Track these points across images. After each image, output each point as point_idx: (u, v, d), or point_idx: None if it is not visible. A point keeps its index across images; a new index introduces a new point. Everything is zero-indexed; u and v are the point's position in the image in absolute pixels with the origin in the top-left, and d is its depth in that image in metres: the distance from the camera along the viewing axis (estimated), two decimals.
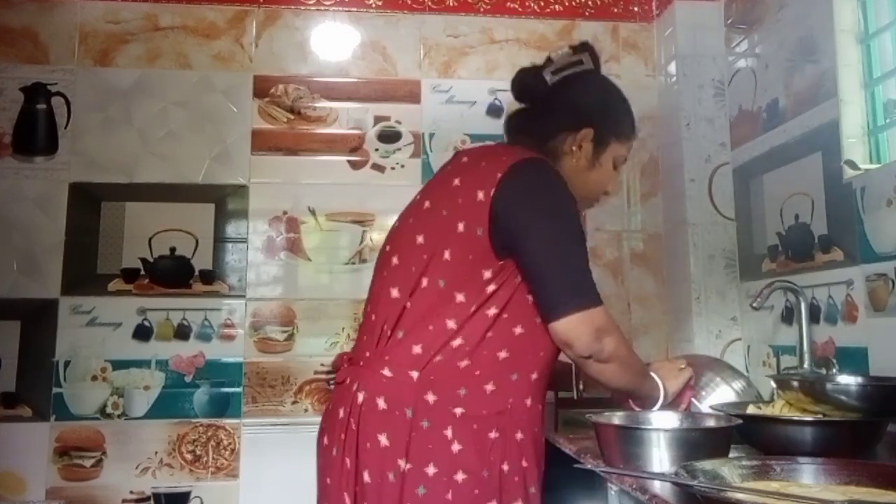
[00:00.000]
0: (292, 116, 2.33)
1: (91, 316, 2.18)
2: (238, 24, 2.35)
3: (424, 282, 1.22)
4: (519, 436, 1.23)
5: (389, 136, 2.35)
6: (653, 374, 1.35)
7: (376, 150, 2.34)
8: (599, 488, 1.26)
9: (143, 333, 2.20)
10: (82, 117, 2.26)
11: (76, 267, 2.19)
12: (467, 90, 2.39)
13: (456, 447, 1.18)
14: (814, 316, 1.77)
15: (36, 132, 2.24)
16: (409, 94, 2.38)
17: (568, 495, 1.45)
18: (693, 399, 1.44)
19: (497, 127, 2.36)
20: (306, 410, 2.21)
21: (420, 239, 1.26)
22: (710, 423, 1.22)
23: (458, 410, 1.19)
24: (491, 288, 1.21)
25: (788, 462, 0.98)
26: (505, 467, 1.20)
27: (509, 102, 2.34)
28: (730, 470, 0.94)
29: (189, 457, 2.16)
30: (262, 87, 2.33)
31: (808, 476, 0.95)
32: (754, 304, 1.76)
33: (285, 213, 2.29)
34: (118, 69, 2.29)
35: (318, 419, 1.35)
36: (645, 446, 1.09)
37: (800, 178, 1.85)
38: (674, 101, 2.30)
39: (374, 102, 2.36)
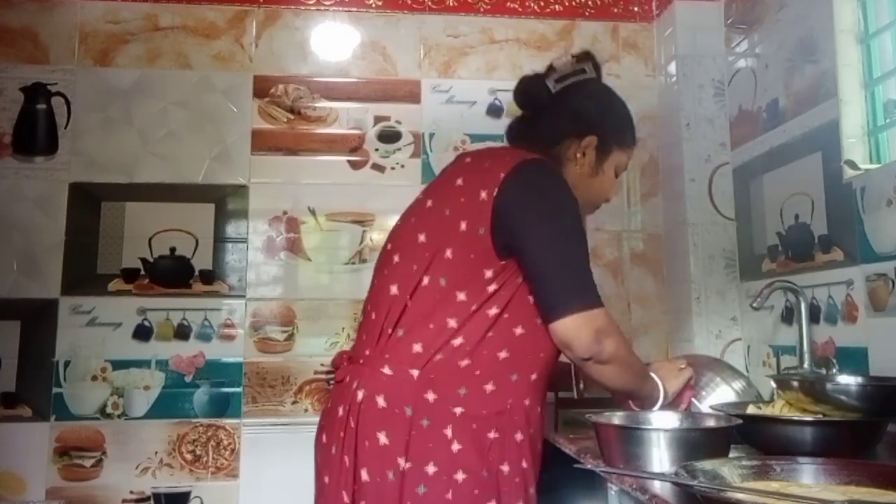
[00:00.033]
0: (292, 116, 2.34)
1: (91, 316, 2.18)
2: (238, 24, 2.35)
3: (426, 280, 1.22)
4: (518, 436, 1.23)
5: (389, 136, 2.35)
6: (652, 375, 1.35)
7: (376, 150, 2.34)
8: (599, 488, 1.26)
9: (143, 333, 2.20)
10: (82, 117, 2.26)
11: (76, 267, 2.19)
12: (467, 90, 2.40)
13: (456, 446, 1.18)
14: (814, 316, 1.77)
15: (36, 132, 2.24)
16: (409, 94, 2.38)
17: (568, 495, 1.45)
18: (693, 399, 1.44)
19: (497, 127, 2.36)
20: (306, 410, 2.21)
21: (422, 237, 1.27)
22: (710, 423, 1.22)
23: (458, 410, 1.19)
24: (492, 287, 1.21)
25: (788, 462, 0.98)
26: (505, 468, 1.20)
27: (509, 102, 2.36)
28: (730, 470, 0.94)
29: (189, 457, 2.16)
30: (262, 87, 2.33)
31: (808, 476, 0.95)
32: (754, 304, 1.76)
33: (285, 213, 2.29)
34: (118, 69, 2.29)
35: (318, 419, 1.35)
36: (645, 446, 1.09)
37: (800, 178, 1.85)
38: (674, 101, 2.30)
39: (374, 102, 2.36)
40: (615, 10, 2.48)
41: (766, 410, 1.36)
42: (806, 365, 1.74)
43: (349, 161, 2.33)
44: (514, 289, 1.22)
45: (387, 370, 1.21)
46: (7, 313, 2.15)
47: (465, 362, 1.20)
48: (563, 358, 1.28)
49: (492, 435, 1.20)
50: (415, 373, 1.19)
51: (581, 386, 1.73)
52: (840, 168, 1.70)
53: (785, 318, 1.93)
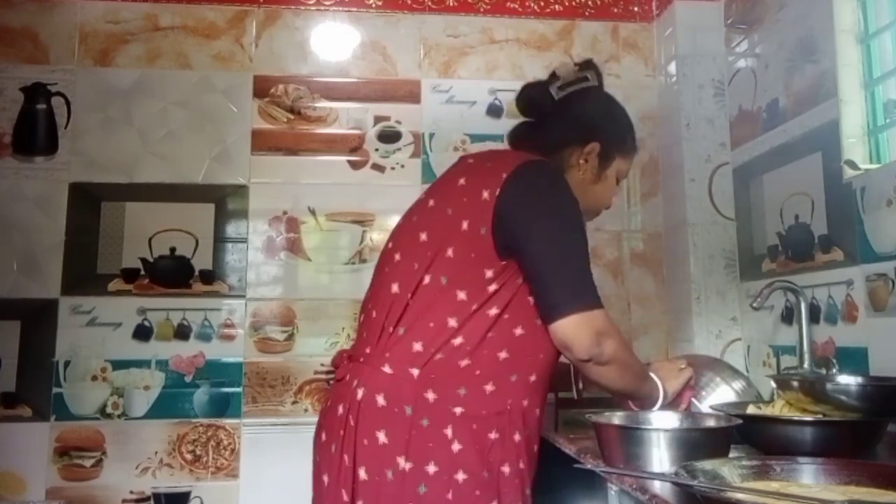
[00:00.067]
0: (292, 116, 2.34)
1: (91, 316, 2.18)
2: (238, 24, 2.35)
3: (427, 279, 1.23)
4: (517, 437, 1.23)
5: (389, 136, 2.35)
6: (652, 375, 1.35)
7: (376, 150, 2.34)
8: (599, 488, 1.26)
9: (143, 333, 2.20)
10: (82, 117, 2.26)
11: (76, 267, 2.19)
12: (467, 90, 2.40)
13: (456, 447, 1.18)
14: (814, 316, 1.77)
15: (36, 132, 2.24)
16: (409, 94, 2.38)
17: (568, 495, 1.45)
18: (693, 399, 1.45)
19: (497, 127, 2.36)
20: (306, 410, 2.21)
21: (423, 236, 1.27)
22: (710, 423, 1.22)
23: (458, 410, 1.19)
24: (492, 287, 1.21)
25: (788, 462, 0.98)
26: (505, 469, 1.21)
27: (509, 102, 2.36)
28: (730, 470, 0.94)
29: (189, 457, 2.16)
30: (262, 87, 2.33)
31: (808, 476, 0.95)
32: (754, 304, 1.76)
33: (285, 213, 2.29)
34: (118, 69, 2.29)
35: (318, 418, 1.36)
36: (645, 446, 1.09)
37: (800, 178, 1.85)
38: (674, 101, 2.30)
39: (374, 102, 2.36)
40: (615, 10, 2.48)
41: (766, 410, 1.36)
42: (806, 365, 1.74)
43: (349, 161, 2.33)
44: (515, 289, 1.23)
45: (387, 369, 1.21)
46: (7, 313, 2.15)
47: (465, 362, 1.20)
48: (562, 358, 1.28)
49: (492, 435, 1.20)
50: (415, 372, 1.19)
51: (580, 386, 1.73)
52: (840, 168, 1.70)
53: (785, 318, 1.93)
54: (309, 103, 2.34)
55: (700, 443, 1.09)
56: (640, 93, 2.43)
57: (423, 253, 1.25)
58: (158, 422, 2.17)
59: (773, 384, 1.45)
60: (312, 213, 2.30)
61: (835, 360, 1.71)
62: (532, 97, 1.43)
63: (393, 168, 2.34)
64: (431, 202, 1.33)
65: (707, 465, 0.94)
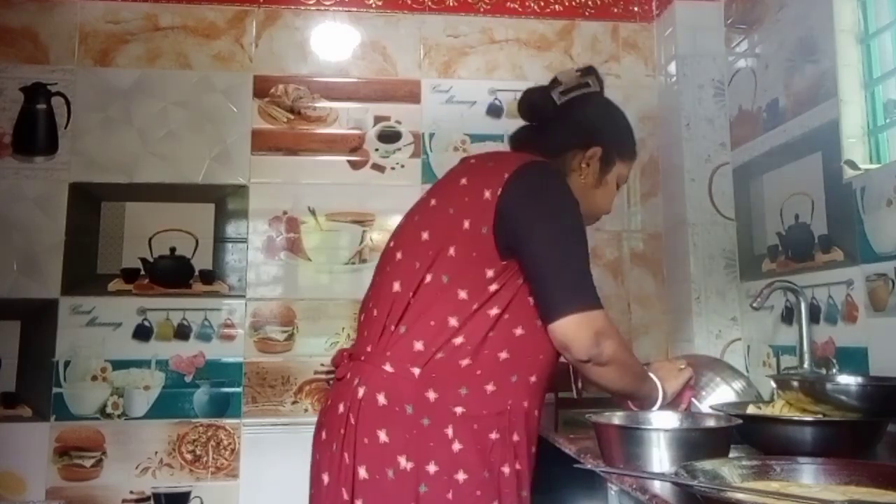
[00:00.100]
0: (292, 116, 2.34)
1: (91, 316, 2.18)
2: (238, 24, 2.35)
3: (428, 278, 1.23)
4: (516, 438, 1.23)
5: (389, 136, 2.35)
6: (651, 376, 1.35)
7: (376, 150, 2.34)
8: (599, 488, 1.26)
9: (143, 333, 2.20)
10: (82, 117, 2.26)
11: (76, 267, 2.19)
12: (467, 90, 2.40)
13: (457, 446, 1.18)
14: (814, 316, 1.77)
15: (36, 132, 2.24)
16: (409, 94, 2.38)
17: (568, 495, 1.45)
18: (693, 399, 1.45)
19: (497, 127, 2.36)
20: (306, 410, 2.21)
21: (425, 235, 1.27)
22: (710, 423, 1.22)
23: (459, 409, 1.19)
24: (493, 287, 1.21)
25: (788, 462, 0.98)
26: (505, 469, 1.21)
27: (509, 102, 2.37)
28: (730, 470, 0.94)
29: (189, 457, 2.16)
30: (262, 87, 2.33)
31: (808, 476, 0.95)
32: (754, 304, 1.76)
33: (285, 213, 2.29)
34: (118, 69, 2.29)
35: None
36: (645, 446, 1.09)
37: (800, 178, 1.85)
38: (674, 101, 2.30)
39: (374, 102, 2.36)
40: (615, 10, 2.48)
41: (766, 410, 1.36)
42: (806, 365, 1.74)
43: (349, 161, 2.33)
44: (515, 290, 1.23)
45: (388, 368, 1.21)
46: (7, 313, 2.15)
47: (465, 362, 1.20)
48: (562, 358, 1.28)
49: (493, 436, 1.20)
50: (416, 371, 1.19)
51: (580, 385, 1.73)
52: (840, 168, 1.70)
53: (785, 318, 1.93)
54: (309, 103, 2.34)
55: (700, 443, 1.09)
56: (640, 93, 2.43)
57: (425, 252, 1.25)
58: (158, 422, 2.17)
59: (773, 384, 1.45)
60: (312, 213, 2.30)
61: (835, 360, 1.71)
62: (534, 102, 1.44)
63: (393, 168, 2.34)
64: (433, 202, 1.33)
65: (707, 465, 0.94)
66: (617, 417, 1.26)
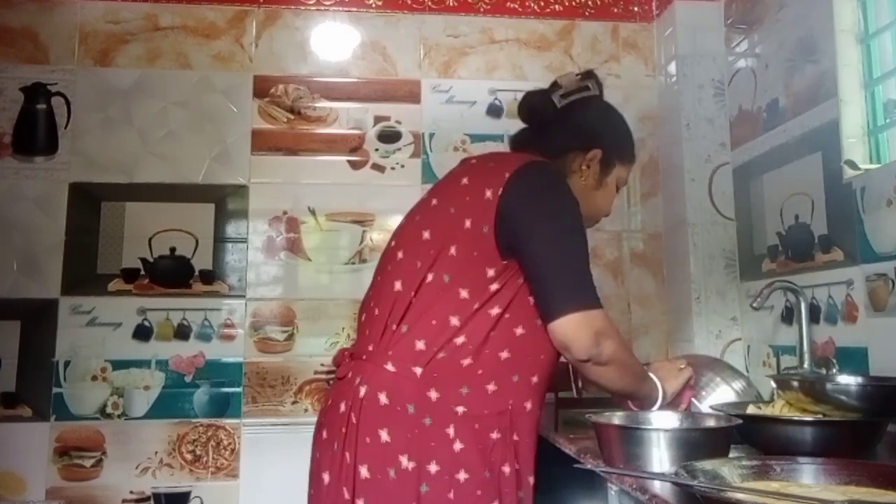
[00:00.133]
0: (292, 116, 2.34)
1: (91, 316, 2.18)
2: (238, 24, 2.35)
3: (430, 277, 1.23)
4: (516, 437, 1.23)
5: (389, 136, 2.35)
6: (651, 376, 1.35)
7: (376, 150, 2.34)
8: (599, 488, 1.26)
9: (143, 333, 2.20)
10: (82, 117, 2.26)
11: (76, 267, 2.19)
12: (467, 90, 2.39)
13: (458, 446, 1.18)
14: (814, 316, 1.77)
15: (36, 132, 2.24)
16: (409, 94, 2.38)
17: (568, 495, 1.45)
18: (693, 399, 1.45)
19: (497, 127, 2.36)
20: (306, 410, 2.21)
21: (426, 235, 1.28)
22: (710, 423, 1.22)
23: (460, 409, 1.20)
24: (494, 287, 1.22)
25: (788, 462, 0.98)
26: (506, 469, 1.21)
27: (509, 102, 2.36)
28: (730, 470, 0.94)
29: (189, 457, 2.16)
30: (262, 87, 2.33)
31: (808, 476, 0.95)
32: (754, 304, 1.76)
33: (285, 213, 2.29)
34: (118, 69, 2.29)
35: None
36: (645, 446, 1.09)
37: (800, 178, 1.85)
38: (674, 101, 2.30)
39: (374, 102, 2.36)
40: (615, 10, 2.48)
41: (766, 410, 1.36)
42: (806, 365, 1.74)
43: (349, 161, 2.33)
44: (516, 289, 1.23)
45: (390, 367, 1.21)
46: (7, 313, 2.15)
47: (467, 361, 1.20)
48: (562, 358, 1.28)
49: (494, 435, 1.21)
50: (418, 370, 1.20)
51: (580, 385, 1.73)
52: (840, 168, 1.70)
53: (785, 318, 1.93)
54: (309, 103, 2.34)
55: (700, 443, 1.09)
56: (640, 93, 2.43)
57: (426, 251, 1.26)
58: (158, 422, 2.17)
59: (773, 384, 1.45)
60: (312, 213, 2.30)
61: (835, 360, 1.71)
62: (535, 105, 1.45)
63: (393, 168, 2.34)
64: (434, 201, 1.34)
65: (707, 465, 0.94)
66: (617, 417, 1.26)
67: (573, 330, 1.18)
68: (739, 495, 0.84)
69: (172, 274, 2.23)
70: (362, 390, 1.21)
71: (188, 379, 2.19)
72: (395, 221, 1.41)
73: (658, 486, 1.00)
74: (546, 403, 1.34)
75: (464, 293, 1.21)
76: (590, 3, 2.47)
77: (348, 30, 2.39)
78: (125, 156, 2.26)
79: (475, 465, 1.18)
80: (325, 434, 1.26)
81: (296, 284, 2.28)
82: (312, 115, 2.34)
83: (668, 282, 2.36)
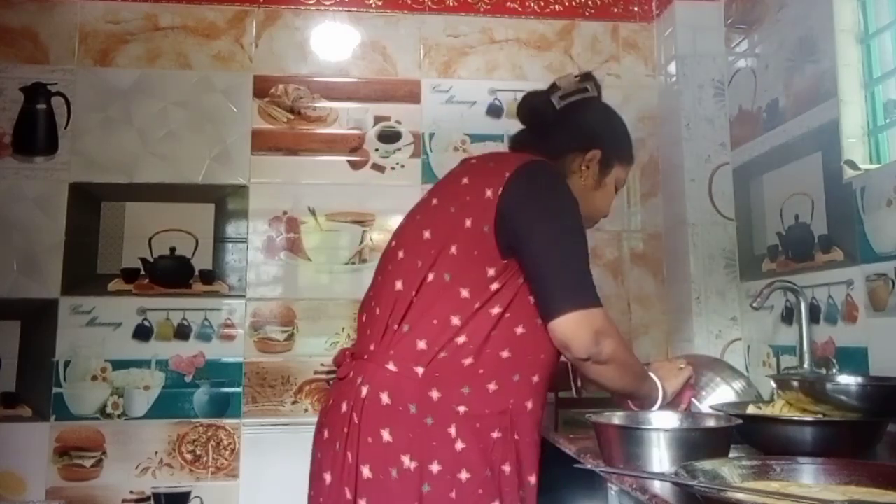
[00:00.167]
0: (292, 116, 2.33)
1: (91, 316, 2.18)
2: (238, 24, 2.35)
3: (430, 276, 1.24)
4: (516, 437, 1.24)
5: (389, 136, 2.35)
6: (651, 375, 1.36)
7: (376, 150, 2.34)
8: (599, 488, 1.26)
9: (143, 333, 2.20)
10: (82, 117, 2.26)
11: (76, 267, 2.19)
12: (467, 90, 2.39)
13: (459, 445, 1.18)
14: (814, 316, 1.77)
15: (36, 132, 2.24)
16: (409, 94, 2.38)
17: (568, 495, 1.45)
18: (693, 399, 1.45)
19: (497, 127, 2.36)
20: (306, 410, 2.21)
21: (427, 234, 1.28)
22: (710, 423, 1.22)
23: (462, 409, 1.20)
24: (494, 286, 1.22)
25: (788, 462, 0.98)
26: (506, 468, 1.21)
27: (509, 102, 2.36)
28: (730, 470, 0.94)
29: (189, 457, 2.16)
30: (262, 87, 2.33)
31: (808, 476, 0.95)
32: (754, 304, 1.76)
33: (285, 213, 2.29)
34: (118, 69, 2.29)
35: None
36: (645, 446, 1.09)
37: (800, 178, 1.85)
38: (674, 101, 2.30)
39: (374, 102, 2.36)
40: (615, 10, 2.48)
41: (766, 410, 1.36)
42: (806, 365, 1.74)
43: (349, 161, 2.33)
44: (516, 289, 1.24)
45: (391, 367, 1.21)
46: (7, 313, 2.15)
47: (468, 361, 1.21)
48: (562, 358, 1.28)
49: (495, 434, 1.21)
50: (419, 370, 1.20)
51: (579, 384, 1.73)
52: (840, 168, 1.70)
53: (785, 318, 1.93)
54: (309, 103, 2.34)
55: (700, 443, 1.10)
56: (640, 93, 2.43)
57: (427, 251, 1.26)
58: (158, 422, 2.16)
59: (773, 384, 1.45)
60: (312, 213, 2.30)
61: (835, 360, 1.71)
62: (534, 106, 1.46)
63: (393, 168, 2.34)
64: (435, 201, 1.34)
65: (707, 465, 0.94)
66: (617, 417, 1.26)
67: (573, 329, 1.19)
68: (739, 495, 0.84)
69: (172, 274, 2.23)
70: (364, 390, 1.21)
71: (188, 379, 2.19)
72: (395, 221, 1.41)
73: (658, 486, 1.00)
74: (546, 407, 1.34)
75: (464, 292, 1.22)
76: (590, 3, 2.47)
77: (348, 30, 2.39)
78: (125, 156, 2.26)
79: (476, 464, 1.18)
80: (326, 434, 1.27)
81: (296, 284, 2.28)
82: (312, 115, 2.34)
83: (668, 282, 2.36)
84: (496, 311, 1.22)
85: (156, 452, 2.15)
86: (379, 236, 2.28)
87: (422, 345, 1.21)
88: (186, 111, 2.29)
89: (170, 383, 2.18)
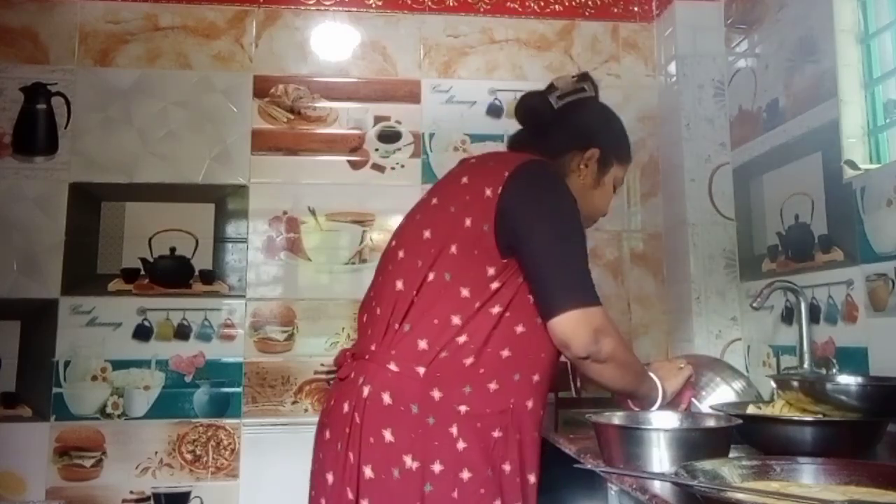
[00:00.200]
0: (292, 116, 2.33)
1: (91, 316, 2.18)
2: (238, 24, 2.35)
3: (431, 276, 1.24)
4: (517, 436, 1.24)
5: (389, 136, 2.35)
6: (651, 375, 1.36)
7: (376, 150, 2.34)
8: (599, 488, 1.26)
9: (143, 333, 2.20)
10: (82, 117, 2.26)
11: (76, 267, 2.19)
12: (467, 90, 2.39)
13: (461, 445, 1.19)
14: (814, 316, 1.77)
15: (36, 132, 2.24)
16: (409, 94, 2.38)
17: (568, 495, 1.45)
18: (693, 399, 1.45)
19: (497, 127, 2.36)
20: (306, 410, 2.21)
21: (427, 234, 1.28)
22: (710, 423, 1.22)
23: (463, 408, 1.20)
24: (494, 285, 1.22)
25: (788, 462, 0.98)
26: (507, 467, 1.21)
27: (509, 102, 2.36)
28: (730, 470, 0.94)
29: (189, 457, 2.16)
30: (262, 87, 2.33)
31: (808, 476, 0.95)
32: (754, 304, 1.76)
33: (285, 213, 2.29)
34: (118, 69, 2.29)
35: (318, 418, 1.35)
36: (645, 446, 1.09)
37: (800, 178, 1.85)
38: (674, 101, 2.30)
39: (374, 102, 2.36)
40: (615, 10, 2.48)
41: (766, 410, 1.36)
42: (806, 365, 1.74)
43: (349, 161, 2.33)
44: (516, 288, 1.24)
45: (393, 367, 1.21)
46: (7, 313, 2.15)
47: (469, 360, 1.21)
48: (562, 357, 1.28)
49: (496, 434, 1.21)
50: (421, 370, 1.20)
51: (578, 384, 1.73)
52: (840, 168, 1.70)
53: (785, 318, 1.93)
54: (309, 103, 2.34)
55: (700, 443, 1.10)
56: (640, 93, 2.43)
57: (427, 250, 1.26)
58: (158, 422, 2.16)
59: (773, 384, 1.45)
60: (312, 213, 2.30)
61: (835, 360, 1.71)
62: (532, 106, 1.46)
63: (393, 168, 2.34)
64: (434, 200, 1.35)
65: (707, 465, 0.94)
66: (617, 417, 1.26)
67: (572, 327, 1.19)
68: (739, 495, 0.84)
69: (172, 274, 2.23)
70: (366, 390, 1.21)
71: (188, 379, 2.19)
72: (395, 221, 1.41)
73: (658, 486, 1.00)
74: (547, 407, 1.34)
75: (465, 292, 1.22)
76: (590, 3, 2.47)
77: (348, 30, 2.39)
78: (125, 156, 2.26)
79: (478, 463, 1.18)
80: (327, 434, 1.27)
81: (296, 284, 2.28)
82: (312, 115, 2.34)
83: (668, 282, 2.36)
84: (496, 310, 1.22)
85: (156, 452, 2.15)
86: (379, 236, 2.28)
87: (423, 344, 1.21)
88: (186, 111, 2.29)
89: (170, 383, 2.18)
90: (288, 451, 2.13)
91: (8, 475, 2.10)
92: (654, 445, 1.08)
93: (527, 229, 1.22)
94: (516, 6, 2.45)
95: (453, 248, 1.24)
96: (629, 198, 2.41)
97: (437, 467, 1.17)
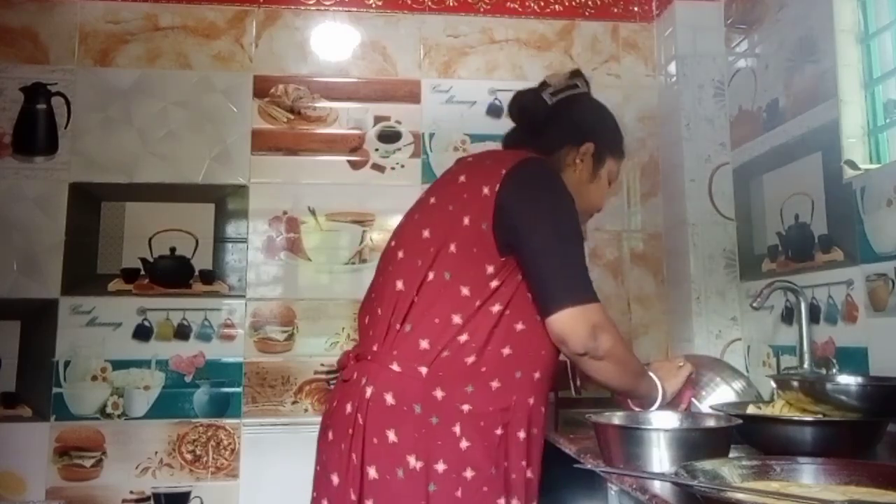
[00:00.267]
0: (292, 116, 2.33)
1: (91, 316, 2.18)
2: (238, 24, 2.35)
3: (431, 275, 1.24)
4: (521, 434, 1.24)
5: (389, 136, 2.35)
6: (651, 374, 1.36)
7: (376, 150, 2.34)
8: (599, 488, 1.26)
9: (143, 333, 2.20)
10: (82, 117, 2.26)
11: (76, 267, 2.19)
12: (467, 90, 2.39)
13: (464, 444, 1.19)
14: (814, 316, 1.77)
15: (36, 132, 2.24)
16: (409, 94, 2.38)
17: (568, 495, 1.45)
18: (693, 399, 1.45)
19: (497, 127, 2.36)
20: (306, 410, 2.21)
21: (426, 233, 1.29)
22: (710, 423, 1.22)
23: (466, 407, 1.20)
24: (494, 284, 1.23)
25: (788, 462, 0.98)
26: (509, 465, 1.22)
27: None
28: (730, 470, 0.94)
29: (189, 457, 2.16)
30: (262, 87, 2.33)
31: (808, 476, 0.95)
32: (754, 304, 1.76)
33: (285, 213, 2.29)
34: (118, 69, 2.29)
35: (319, 419, 1.35)
36: (645, 446, 1.09)
37: (800, 178, 1.85)
38: (674, 101, 2.30)
39: (374, 102, 2.36)
40: (615, 10, 2.48)
41: (766, 410, 1.36)
42: (806, 365, 1.74)
43: (349, 161, 2.33)
44: (515, 286, 1.24)
45: (395, 367, 1.22)
46: (7, 313, 2.15)
47: (471, 359, 1.21)
48: (561, 356, 1.28)
49: (498, 432, 1.22)
50: (423, 370, 1.20)
51: (578, 383, 1.73)
52: (840, 168, 1.70)
53: (785, 318, 1.93)
54: (309, 103, 2.34)
55: (700, 443, 1.10)
56: (640, 93, 2.43)
57: (426, 249, 1.26)
58: (158, 422, 2.16)
59: (773, 384, 1.45)
60: (312, 213, 2.30)
61: (835, 360, 1.71)
62: (526, 103, 1.47)
63: (393, 168, 2.34)
64: (433, 200, 1.35)
65: (707, 465, 0.94)
66: (617, 417, 1.26)
67: (570, 323, 1.19)
68: (739, 495, 0.84)
69: (172, 274, 2.23)
70: (368, 391, 1.21)
71: (188, 379, 2.19)
72: (395, 221, 1.41)
73: (658, 486, 1.00)
74: (548, 404, 1.35)
75: (465, 291, 1.22)
76: (590, 3, 2.47)
77: (348, 30, 2.39)
78: (125, 156, 2.26)
79: (481, 462, 1.19)
80: (331, 436, 1.27)
81: (296, 284, 2.28)
82: (312, 115, 2.34)
83: (668, 282, 2.36)
84: (497, 308, 1.22)
85: (156, 452, 2.15)
86: (379, 236, 2.28)
87: (424, 344, 1.21)
88: (186, 111, 2.29)
89: (170, 383, 2.18)
90: (288, 451, 2.14)
91: (8, 475, 2.10)
92: (654, 445, 1.08)
93: (525, 228, 1.23)
94: (516, 6, 2.45)
95: (452, 247, 1.24)
96: (629, 198, 2.41)
97: (440, 467, 1.17)
